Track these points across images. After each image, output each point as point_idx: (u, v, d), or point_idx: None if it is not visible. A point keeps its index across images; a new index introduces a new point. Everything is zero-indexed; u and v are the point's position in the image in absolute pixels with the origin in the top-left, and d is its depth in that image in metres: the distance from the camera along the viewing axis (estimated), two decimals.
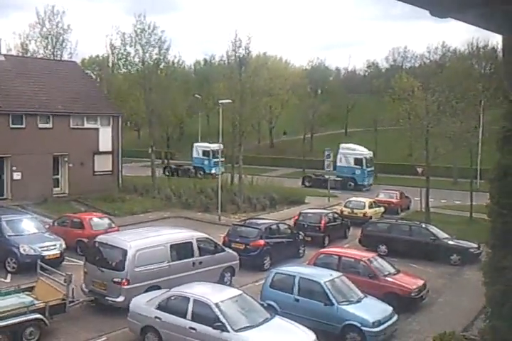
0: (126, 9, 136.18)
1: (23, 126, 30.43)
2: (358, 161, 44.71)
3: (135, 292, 14.07)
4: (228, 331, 11.51)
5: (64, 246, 19.28)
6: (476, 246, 21.99)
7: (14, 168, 29.88)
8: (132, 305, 13.29)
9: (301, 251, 22.06)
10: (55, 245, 18.95)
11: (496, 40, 65.95)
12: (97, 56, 72.04)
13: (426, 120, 29.15)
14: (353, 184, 44.34)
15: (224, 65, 43.09)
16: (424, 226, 23.42)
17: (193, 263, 16.29)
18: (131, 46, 35.66)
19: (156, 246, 15.51)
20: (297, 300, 14.20)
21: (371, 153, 46.49)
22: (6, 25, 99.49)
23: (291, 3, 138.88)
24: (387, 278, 16.38)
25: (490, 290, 11.44)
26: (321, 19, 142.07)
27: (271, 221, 23.28)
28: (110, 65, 56.08)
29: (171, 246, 15.84)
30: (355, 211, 29.35)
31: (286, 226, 22.84)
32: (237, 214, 30.22)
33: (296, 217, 25.91)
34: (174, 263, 15.67)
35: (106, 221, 22.29)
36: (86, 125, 33.53)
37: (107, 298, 14.69)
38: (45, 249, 18.53)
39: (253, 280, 18.34)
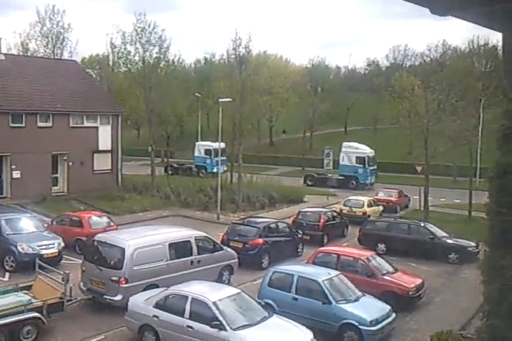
0: (126, 8, 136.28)
1: (23, 124, 30.43)
2: (360, 160, 44.47)
3: (133, 290, 14.07)
4: (226, 330, 11.51)
5: (62, 244, 19.29)
6: (474, 244, 21.99)
7: (13, 167, 29.87)
8: (130, 304, 13.28)
9: (299, 250, 22.06)
10: (53, 244, 18.95)
11: (496, 38, 66.02)
12: (98, 55, 71.92)
13: (426, 118, 29.13)
14: (355, 183, 44.13)
15: (224, 63, 43.13)
16: (422, 224, 23.42)
17: (192, 262, 16.29)
18: (131, 45, 35.67)
19: (155, 245, 15.52)
20: (295, 299, 14.20)
21: (373, 151, 46.27)
22: (7, 25, 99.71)
23: (292, 1, 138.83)
24: (385, 277, 16.37)
25: (488, 289, 11.43)
26: (321, 17, 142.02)
27: (270, 219, 23.28)
28: (110, 63, 56.16)
29: (170, 244, 15.84)
30: (354, 209, 29.34)
31: (285, 225, 22.84)
32: (236, 212, 30.21)
33: (295, 216, 25.90)
34: (172, 261, 15.67)
35: (105, 219, 22.29)
36: (85, 124, 33.54)
37: (105, 296, 14.69)
38: (43, 247, 18.53)
39: (251, 278, 18.34)
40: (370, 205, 29.97)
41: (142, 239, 15.77)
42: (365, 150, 45.58)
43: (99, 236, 16.25)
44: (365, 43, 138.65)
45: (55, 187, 32.09)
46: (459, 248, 21.91)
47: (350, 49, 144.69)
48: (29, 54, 50.03)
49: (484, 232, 11.92)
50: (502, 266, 10.86)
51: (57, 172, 32.40)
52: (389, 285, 16.06)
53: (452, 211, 32.95)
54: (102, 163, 33.93)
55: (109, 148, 34.46)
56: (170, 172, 48.25)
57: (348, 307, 13.68)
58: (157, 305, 12.72)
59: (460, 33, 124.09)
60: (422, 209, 30.38)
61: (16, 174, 29.92)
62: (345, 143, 46.29)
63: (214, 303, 12.01)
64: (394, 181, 44.15)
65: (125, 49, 36.36)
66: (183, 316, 12.15)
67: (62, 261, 19.04)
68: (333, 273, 14.91)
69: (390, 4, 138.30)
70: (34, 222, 20.48)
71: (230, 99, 29.92)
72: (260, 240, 20.18)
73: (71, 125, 32.64)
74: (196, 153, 50.44)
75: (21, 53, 49.99)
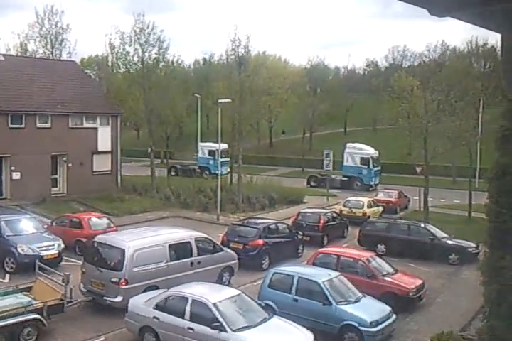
0: (125, 9, 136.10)
1: (22, 125, 30.42)
2: (364, 161, 44.20)
3: (133, 292, 14.06)
4: (226, 331, 11.50)
5: (62, 246, 19.28)
6: (474, 245, 21.97)
7: (13, 168, 29.86)
8: (130, 305, 13.27)
9: (299, 251, 22.05)
10: (53, 245, 18.94)
11: (495, 38, 66.00)
12: (96, 56, 71.94)
13: (425, 119, 29.12)
14: (359, 184, 43.85)
15: (223, 64, 43.17)
16: (422, 225, 23.41)
17: (192, 263, 16.28)
18: (130, 45, 35.69)
19: (155, 246, 15.50)
20: (295, 300, 14.19)
21: (377, 152, 45.98)
22: (5, 25, 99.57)
23: (291, 1, 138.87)
24: (385, 278, 16.37)
25: (488, 290, 11.42)
26: (320, 18, 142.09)
27: (270, 220, 23.27)
28: (109, 64, 56.09)
29: (170, 246, 15.83)
30: (354, 210, 29.33)
31: (284, 226, 22.83)
32: (236, 213, 30.19)
33: (295, 217, 25.89)
34: (172, 263, 15.66)
35: (105, 221, 22.28)
36: (85, 125, 33.52)
37: (105, 298, 14.68)
38: (43, 248, 18.51)
39: (251, 280, 18.33)
40: (369, 206, 29.96)
41: (142, 240, 15.77)
42: (369, 150, 45.29)
43: (99, 238, 16.24)
44: (364, 44, 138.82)
45: (55, 188, 32.07)
46: (459, 249, 21.90)
47: (350, 49, 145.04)
48: (28, 55, 50.05)
49: (484, 233, 11.93)
50: (502, 266, 10.86)
51: (56, 173, 32.38)
52: (389, 286, 16.06)
53: (452, 212, 32.94)
54: (102, 164, 33.91)
55: (109, 149, 34.45)
56: (173, 174, 48.10)
57: (349, 308, 13.68)
58: (157, 307, 12.71)
59: (459, 33, 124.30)
60: (422, 209, 30.38)
61: (16, 175, 29.90)
62: (349, 144, 45.99)
63: (214, 305, 12.00)
64: (393, 182, 44.10)
65: (124, 49, 36.40)
66: (183, 317, 12.14)
67: (62, 263, 19.04)
68: (334, 274, 14.91)
69: (389, 5, 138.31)
70: (34, 223, 20.45)
71: (229, 100, 29.91)
72: (260, 241, 20.18)
73: (70, 126, 32.63)
74: (200, 154, 50.03)
75: (20, 54, 49.98)
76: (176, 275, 15.30)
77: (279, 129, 75.27)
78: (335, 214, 26.71)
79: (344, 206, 30.12)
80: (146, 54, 35.62)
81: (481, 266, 12.02)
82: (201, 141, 51.15)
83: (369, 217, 28.60)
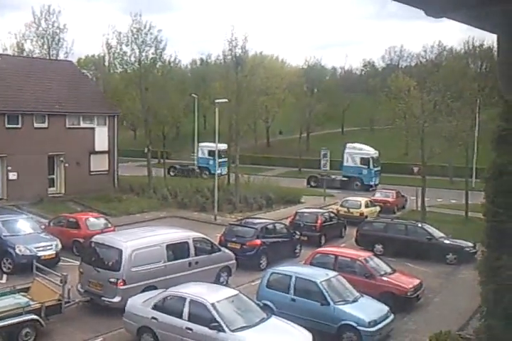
0: (122, 9, 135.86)
1: (19, 125, 30.36)
2: (364, 161, 44.08)
3: (131, 292, 14.05)
4: (224, 331, 11.50)
5: (60, 246, 19.24)
6: (471, 245, 22.00)
7: (10, 168, 29.79)
8: (128, 306, 13.26)
9: (297, 251, 22.08)
10: (50, 245, 18.90)
11: (491, 39, 66.16)
12: (93, 55, 71.91)
13: (422, 119, 29.15)
14: (359, 184, 43.77)
15: (220, 64, 43.13)
16: (420, 225, 23.45)
17: (189, 263, 16.28)
18: (127, 45, 35.65)
19: (152, 246, 15.49)
20: (293, 300, 14.20)
21: (377, 152, 45.88)
22: (2, 25, 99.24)
23: (288, 2, 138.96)
24: (383, 278, 16.40)
25: (485, 290, 11.46)
26: (317, 18, 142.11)
27: (267, 220, 23.29)
28: (106, 64, 56.15)
29: (167, 246, 15.82)
30: (352, 210, 29.36)
31: (282, 226, 22.85)
32: (234, 213, 30.19)
33: (293, 217, 25.90)
34: (170, 263, 15.66)
35: (102, 221, 22.26)
36: (82, 124, 33.48)
37: (103, 298, 14.66)
38: (40, 249, 18.48)
39: (249, 280, 18.34)
40: (367, 206, 30.00)
41: (140, 240, 15.76)
42: (369, 151, 45.20)
43: (96, 238, 16.23)
44: (361, 44, 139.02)
45: (52, 189, 32.02)
46: (456, 248, 21.95)
47: (347, 50, 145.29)
48: (25, 54, 49.99)
49: (481, 233, 11.96)
50: (499, 266, 10.90)
51: (53, 173, 32.34)
52: (387, 286, 16.09)
53: (449, 211, 33.00)
54: (99, 164, 33.87)
55: (106, 149, 34.41)
56: (172, 174, 47.93)
57: (347, 308, 13.69)
58: (155, 307, 12.70)
59: (455, 34, 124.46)
60: (419, 209, 30.44)
61: (13, 175, 29.83)
62: (349, 144, 45.87)
63: (212, 305, 12.00)
64: (391, 182, 44.12)
65: (121, 50, 36.38)
66: (181, 318, 12.14)
67: (60, 263, 19.00)
68: (331, 274, 14.93)
69: (385, 5, 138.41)
70: (31, 223, 20.42)
71: (226, 100, 29.91)
72: (258, 241, 20.19)
73: (67, 126, 32.59)
74: (199, 154, 49.75)
75: (17, 54, 49.91)
76: (174, 275, 15.30)
77: (277, 129, 75.29)
78: (332, 214, 26.74)
79: (342, 206, 30.15)
80: (143, 54, 35.63)
81: (478, 266, 12.06)
82: (198, 142, 51.08)
83: (366, 216, 28.62)
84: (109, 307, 14.50)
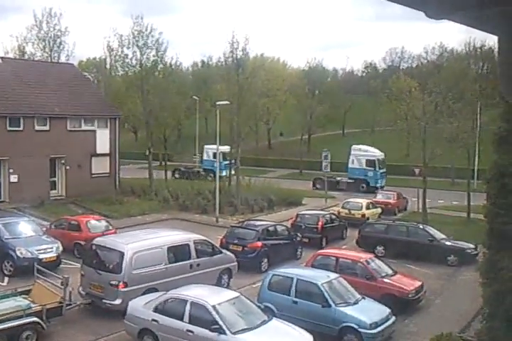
0: (123, 11, 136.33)
1: (21, 128, 30.38)
2: (370, 163, 43.87)
3: (132, 294, 14.03)
4: (226, 333, 11.48)
5: (61, 248, 19.22)
6: (473, 246, 21.97)
7: (11, 171, 29.80)
8: (129, 308, 13.24)
9: (298, 253, 22.04)
10: (52, 248, 18.89)
11: (492, 40, 66.10)
12: (95, 58, 72.09)
13: (423, 120, 29.16)
14: (365, 186, 43.56)
15: (221, 66, 43.14)
16: (421, 227, 23.41)
17: (191, 266, 16.26)
18: (128, 48, 35.75)
19: (154, 249, 15.47)
20: (295, 302, 14.17)
21: (383, 154, 45.72)
22: (3, 28, 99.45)
23: (289, 4, 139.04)
24: (384, 280, 16.37)
25: (487, 291, 11.44)
26: (318, 20, 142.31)
27: (268, 222, 23.23)
28: (108, 67, 56.17)
29: (168, 248, 15.81)
30: (353, 212, 29.34)
31: (283, 228, 22.81)
32: (235, 215, 30.18)
33: (294, 219, 25.88)
34: (171, 265, 15.63)
35: (103, 223, 22.23)
36: (83, 127, 33.50)
37: (104, 300, 14.64)
38: (42, 251, 18.46)
39: (251, 282, 18.31)
40: (368, 207, 29.97)
41: (141, 242, 15.74)
42: (375, 152, 45.04)
43: (97, 240, 16.23)
44: (362, 46, 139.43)
45: (53, 191, 32.03)
46: (457, 250, 21.90)
47: (348, 51, 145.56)
48: (26, 57, 50.07)
49: (483, 234, 11.93)
50: (501, 268, 10.88)
51: (55, 175, 32.34)
52: (388, 288, 16.06)
53: (451, 213, 32.98)
54: (100, 167, 33.88)
55: (107, 151, 34.42)
56: (177, 176, 47.77)
57: (348, 310, 13.67)
58: (156, 309, 12.68)
59: (456, 35, 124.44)
60: (421, 211, 30.40)
61: (14, 178, 29.85)
62: (354, 146, 45.72)
63: (213, 307, 11.98)
64: (392, 183, 44.08)
65: (122, 52, 36.48)
66: (182, 320, 12.12)
67: (61, 266, 18.96)
68: (333, 276, 14.90)
69: (386, 7, 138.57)
70: (32, 226, 20.40)
71: (227, 102, 29.92)
72: (259, 243, 20.16)
73: (69, 128, 32.60)
74: (205, 157, 49.56)
75: (18, 57, 50.00)
76: (175, 277, 15.26)
77: (278, 131, 75.32)
78: (334, 216, 26.71)
79: (343, 208, 30.12)
80: (145, 56, 35.72)
81: (479, 268, 12.05)
82: (200, 144, 51.05)
83: (368, 218, 28.60)
84: (110, 309, 14.48)
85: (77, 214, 25.70)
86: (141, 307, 13.03)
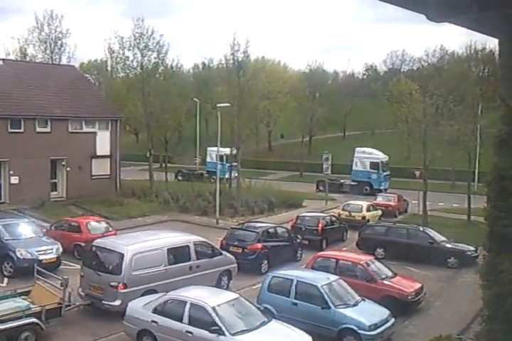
0: (124, 13, 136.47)
1: (22, 130, 30.41)
2: (374, 165, 43.80)
3: (132, 296, 14.03)
4: (225, 335, 11.48)
5: (61, 250, 19.22)
6: (473, 249, 21.95)
7: (12, 172, 29.83)
8: (129, 309, 13.24)
9: (298, 255, 22.03)
10: (52, 249, 18.87)
11: (493, 42, 66.13)
12: (96, 60, 72.17)
13: (424, 123, 29.18)
14: (369, 188, 43.47)
15: (222, 68, 43.23)
16: (421, 229, 23.42)
17: (190, 267, 16.26)
18: (129, 50, 35.81)
19: (153, 250, 15.48)
20: (294, 304, 14.17)
21: (387, 157, 45.67)
22: (5, 30, 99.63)
23: (290, 6, 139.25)
24: (384, 282, 16.36)
25: (487, 294, 11.44)
26: (319, 23, 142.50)
27: (268, 224, 23.24)
28: (109, 69, 56.21)
29: (168, 249, 15.80)
30: (353, 214, 29.32)
31: (283, 230, 22.81)
32: (235, 217, 30.18)
33: (294, 221, 25.87)
34: (171, 267, 15.63)
35: (103, 225, 22.23)
36: (84, 129, 33.53)
37: (103, 301, 14.64)
38: (42, 253, 18.44)
39: (250, 283, 18.30)
40: (368, 210, 29.97)
41: (141, 244, 15.74)
42: (379, 155, 44.99)
43: (97, 242, 16.23)
44: (363, 48, 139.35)
45: (54, 193, 32.04)
46: (457, 252, 21.90)
47: (349, 54, 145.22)
48: (27, 59, 50.11)
49: (483, 237, 11.94)
50: (501, 270, 10.88)
51: (55, 177, 32.36)
52: (388, 290, 16.05)
53: (451, 215, 32.96)
54: (101, 168, 33.89)
55: (108, 153, 34.44)
56: (181, 178, 47.70)
57: (347, 311, 13.66)
58: (156, 311, 12.68)
59: (457, 37, 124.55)
60: (421, 213, 30.39)
61: (15, 179, 29.87)
62: (358, 149, 45.67)
63: (213, 308, 11.98)
64: (392, 185, 44.12)
65: (123, 54, 36.54)
66: (181, 321, 12.12)
67: (61, 267, 18.96)
68: (332, 277, 14.90)
69: (387, 9, 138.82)
70: (33, 227, 20.39)
71: (228, 104, 29.96)
72: (259, 245, 20.16)
73: (70, 130, 32.63)
74: (208, 159, 49.41)
75: (19, 59, 50.07)
76: (175, 279, 15.25)
77: (278, 133, 75.34)
78: (334, 218, 26.70)
79: (343, 210, 30.12)
80: (146, 58, 35.77)
81: (480, 270, 12.05)
82: (200, 146, 51.04)
83: (368, 220, 28.58)
84: (109, 310, 14.49)
85: (78, 216, 25.72)
86: (140, 308, 13.03)
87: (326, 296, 13.82)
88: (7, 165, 29.80)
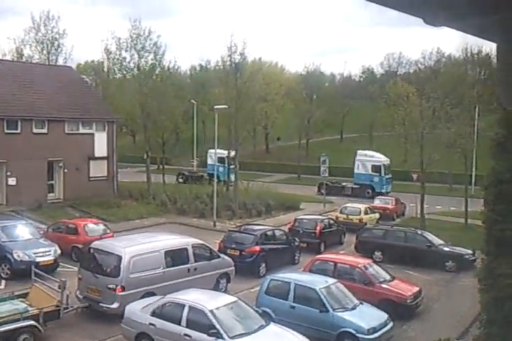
0: (121, 14, 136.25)
1: (18, 131, 30.33)
2: (376, 168, 43.71)
3: (130, 298, 13.99)
4: (223, 338, 11.44)
5: (58, 252, 19.18)
6: (471, 252, 21.98)
7: (9, 174, 29.72)
8: (127, 312, 13.20)
9: (296, 258, 22.02)
10: (49, 251, 18.83)
11: (490, 46, 66.18)
12: (93, 61, 71.99)
13: (421, 126, 29.23)
14: (371, 191, 43.29)
15: (219, 70, 43.23)
16: (419, 232, 23.43)
17: (188, 270, 16.23)
18: (126, 51, 35.82)
19: (151, 253, 15.45)
20: (293, 307, 14.15)
21: (389, 160, 45.59)
22: (1, 30, 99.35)
23: (287, 9, 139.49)
24: (382, 285, 16.37)
25: (485, 297, 11.44)
26: (316, 25, 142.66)
27: (266, 227, 23.22)
28: (105, 70, 56.13)
29: (166, 252, 15.78)
30: (351, 217, 29.33)
31: (281, 233, 22.79)
32: (233, 220, 30.14)
33: (292, 223, 25.86)
34: (169, 269, 15.61)
35: (101, 227, 22.21)
36: (81, 130, 33.45)
37: (101, 304, 14.60)
38: (39, 255, 18.40)
39: (248, 286, 18.28)
40: (366, 213, 29.96)
41: (139, 246, 15.72)
42: (381, 158, 44.92)
43: (95, 244, 16.19)
44: (360, 51, 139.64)
45: (51, 194, 31.94)
46: (455, 256, 21.92)
47: (346, 56, 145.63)
48: (24, 60, 49.94)
49: (481, 240, 11.95)
50: (499, 274, 10.88)
51: (52, 179, 32.25)
52: (386, 294, 16.05)
53: (448, 219, 32.99)
54: (98, 170, 33.82)
55: (105, 154, 34.37)
56: (181, 181, 47.57)
57: (346, 315, 13.65)
58: (154, 313, 12.64)
59: (455, 40, 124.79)
60: (419, 216, 30.41)
61: (12, 181, 29.75)
62: (359, 151, 45.60)
63: (211, 311, 11.95)
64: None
65: (120, 55, 36.53)
66: (179, 324, 12.08)
67: (59, 269, 18.91)
68: (331, 281, 14.90)
69: (384, 12, 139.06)
70: (30, 229, 20.35)
71: (225, 106, 29.94)
72: (257, 248, 20.13)
73: (67, 131, 32.56)
74: (209, 161, 49.32)
75: (16, 59, 49.90)
76: (173, 281, 15.23)
77: (276, 135, 75.34)
78: (332, 221, 26.71)
79: (341, 213, 30.11)
80: (143, 60, 35.79)
81: (478, 274, 12.05)
82: (197, 148, 50.96)
83: (366, 223, 28.57)
84: (107, 313, 14.44)
85: (75, 218, 25.64)
86: (138, 311, 12.99)
87: (324, 299, 13.81)
88: (4, 166, 29.68)
